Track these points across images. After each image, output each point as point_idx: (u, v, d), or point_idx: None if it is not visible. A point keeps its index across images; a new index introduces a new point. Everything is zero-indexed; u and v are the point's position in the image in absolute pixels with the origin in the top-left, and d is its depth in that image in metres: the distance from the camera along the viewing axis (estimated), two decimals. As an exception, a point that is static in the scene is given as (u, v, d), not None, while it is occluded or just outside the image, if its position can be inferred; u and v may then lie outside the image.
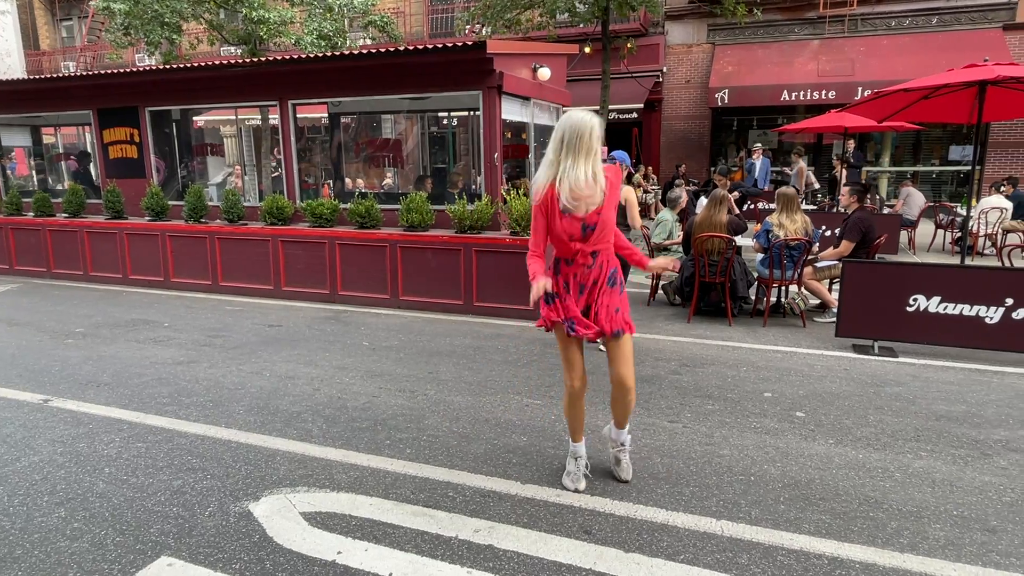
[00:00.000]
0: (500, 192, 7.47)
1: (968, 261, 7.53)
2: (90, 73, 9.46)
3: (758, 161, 13.47)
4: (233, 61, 8.34)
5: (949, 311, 5.38)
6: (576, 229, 2.97)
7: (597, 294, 3.10)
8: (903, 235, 10.90)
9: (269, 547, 2.86)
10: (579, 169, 2.88)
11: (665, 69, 16.83)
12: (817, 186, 13.85)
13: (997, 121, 13.80)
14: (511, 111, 7.87)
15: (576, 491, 3.33)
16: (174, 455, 3.77)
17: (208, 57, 17.13)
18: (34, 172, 12.05)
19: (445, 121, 13.53)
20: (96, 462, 3.69)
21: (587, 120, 2.89)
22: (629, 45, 15.02)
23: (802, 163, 13.12)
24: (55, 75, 10.64)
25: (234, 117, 11.06)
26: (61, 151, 12.13)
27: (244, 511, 3.15)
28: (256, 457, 3.73)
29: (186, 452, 3.81)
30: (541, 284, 2.96)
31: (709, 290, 6.81)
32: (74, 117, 10.42)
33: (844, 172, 11.96)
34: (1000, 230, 10.32)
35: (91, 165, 10.57)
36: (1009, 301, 5.22)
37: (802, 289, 6.85)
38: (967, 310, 5.34)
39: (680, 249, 7.56)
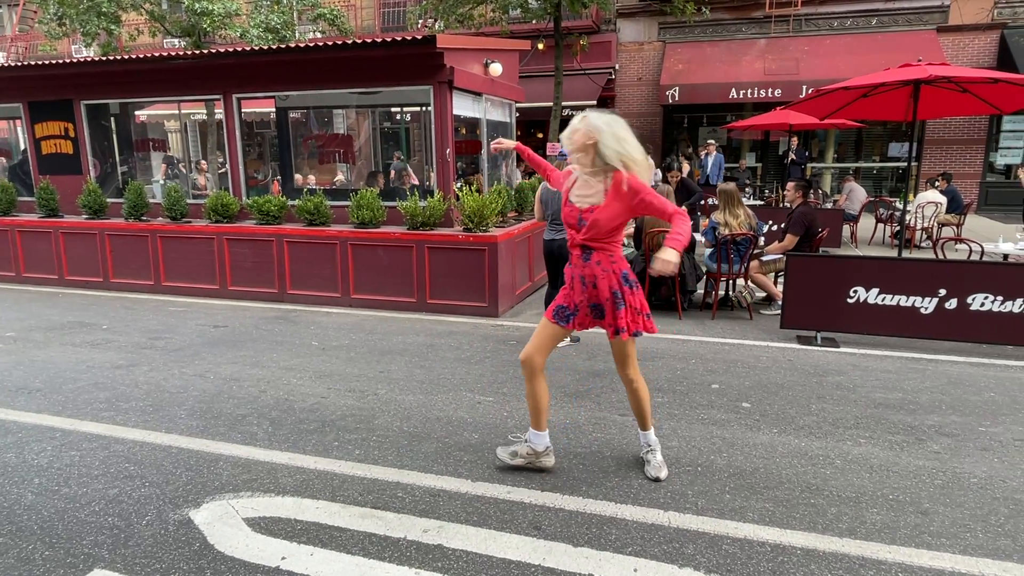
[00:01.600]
0: (453, 188, 7.41)
1: (905, 254, 7.82)
2: (20, 64, 8.99)
3: (710, 157, 13.72)
4: (174, 53, 8.03)
5: (887, 302, 5.57)
6: (573, 218, 3.20)
7: (607, 293, 3.18)
8: (845, 229, 11.27)
9: (210, 555, 2.77)
10: (584, 167, 3.14)
11: (617, 66, 16.99)
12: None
13: (931, 119, 14.40)
14: (463, 107, 7.80)
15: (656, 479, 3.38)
16: (110, 463, 3.62)
17: (149, 49, 16.51)
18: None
19: (398, 116, 13.38)
20: (25, 473, 3.51)
21: (597, 123, 3.02)
22: (582, 42, 15.13)
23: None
24: (-18, 66, 10.08)
25: (177, 111, 10.70)
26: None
27: (184, 519, 3.05)
28: (198, 462, 3.61)
29: (123, 459, 3.66)
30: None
31: (659, 285, 6.92)
32: (3, 110, 9.90)
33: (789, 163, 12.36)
34: (935, 224, 10.76)
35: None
36: (942, 292, 5.43)
37: (749, 282, 7.01)
38: (904, 301, 5.54)
39: (631, 244, 7.64)
